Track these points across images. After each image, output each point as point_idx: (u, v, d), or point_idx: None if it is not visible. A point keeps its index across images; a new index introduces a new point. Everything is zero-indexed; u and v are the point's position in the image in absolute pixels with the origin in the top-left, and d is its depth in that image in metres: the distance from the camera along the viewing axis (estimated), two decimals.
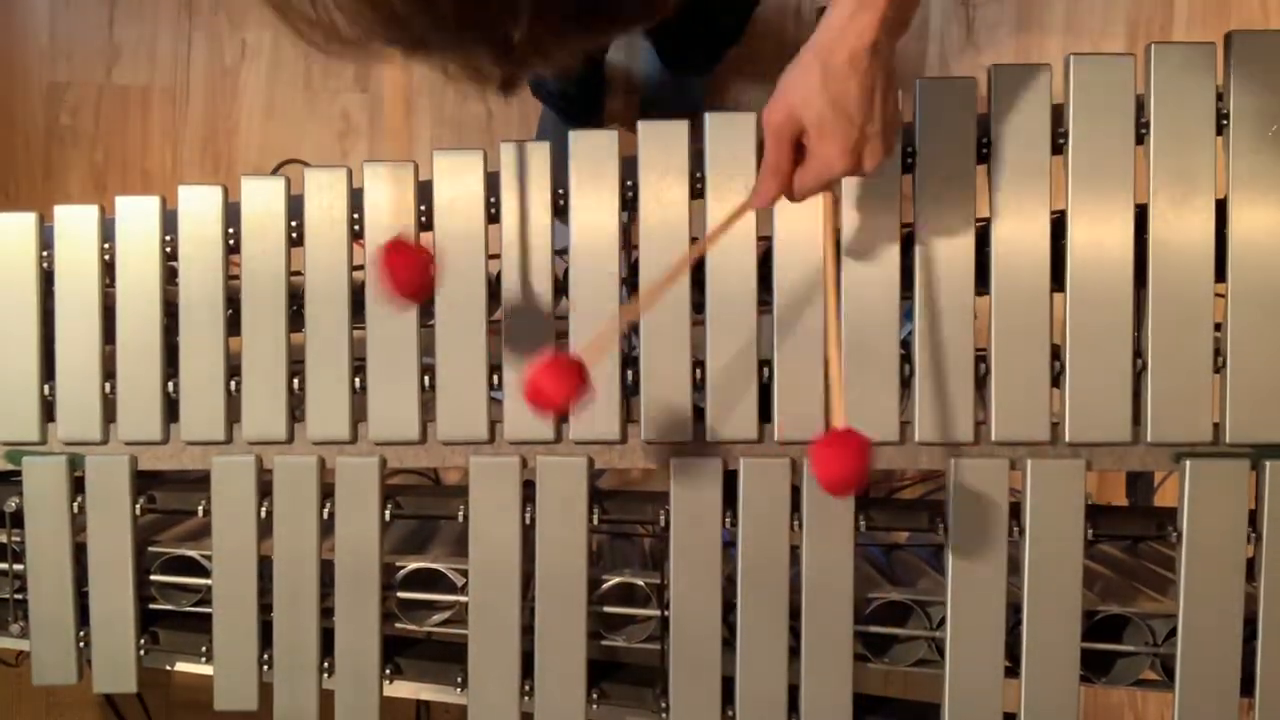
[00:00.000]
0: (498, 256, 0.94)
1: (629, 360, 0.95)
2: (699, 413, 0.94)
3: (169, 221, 0.97)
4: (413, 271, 0.82)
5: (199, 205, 0.97)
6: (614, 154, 0.94)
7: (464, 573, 0.96)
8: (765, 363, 0.93)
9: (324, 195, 0.95)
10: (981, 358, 0.92)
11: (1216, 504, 0.91)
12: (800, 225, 0.92)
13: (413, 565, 0.98)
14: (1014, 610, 0.93)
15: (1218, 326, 0.91)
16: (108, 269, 0.98)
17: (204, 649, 0.99)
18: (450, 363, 0.95)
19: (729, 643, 0.94)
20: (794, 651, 0.94)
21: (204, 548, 0.99)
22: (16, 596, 1.01)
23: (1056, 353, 0.92)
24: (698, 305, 0.94)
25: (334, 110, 1.76)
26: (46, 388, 0.98)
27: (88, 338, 0.97)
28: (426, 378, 0.95)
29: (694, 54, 1.59)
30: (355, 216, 0.95)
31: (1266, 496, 0.91)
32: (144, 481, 0.99)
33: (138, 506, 0.98)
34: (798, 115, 0.74)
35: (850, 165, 0.74)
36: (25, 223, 0.98)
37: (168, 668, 1.03)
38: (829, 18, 0.72)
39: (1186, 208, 0.91)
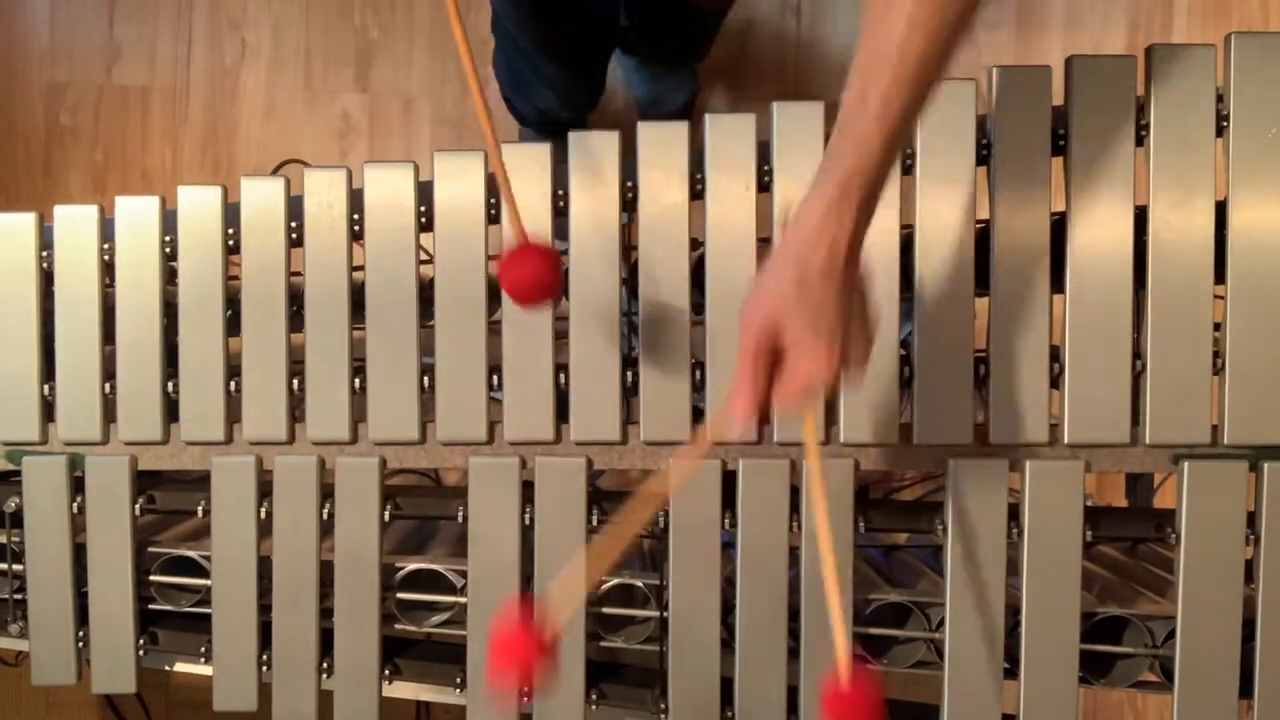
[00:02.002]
0: (497, 257, 0.94)
1: (629, 360, 0.95)
2: (699, 413, 0.94)
3: (169, 221, 0.97)
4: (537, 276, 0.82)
5: (199, 205, 0.97)
6: (614, 154, 0.94)
7: (463, 573, 0.96)
8: None
9: (324, 195, 0.95)
10: (981, 358, 0.92)
11: (1215, 506, 0.91)
12: None
13: (412, 566, 0.98)
14: (1013, 612, 0.93)
15: (1217, 328, 0.92)
16: (108, 269, 0.98)
17: (203, 649, 0.99)
18: (450, 363, 0.95)
19: (728, 643, 0.94)
20: (793, 652, 0.94)
21: (204, 548, 0.99)
22: (16, 596, 1.01)
23: (1056, 354, 0.92)
24: (697, 305, 0.94)
25: (334, 110, 1.76)
26: (46, 388, 0.98)
27: (88, 338, 0.97)
28: (426, 378, 0.95)
29: (671, 42, 1.57)
30: (355, 216, 0.96)
31: (1265, 498, 0.91)
32: (144, 481, 0.99)
33: (138, 506, 0.98)
34: (777, 326, 0.68)
35: (835, 374, 0.68)
36: (25, 223, 0.98)
37: (167, 668, 1.03)
38: (802, 216, 0.67)
39: (1186, 209, 0.91)
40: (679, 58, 1.62)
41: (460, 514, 0.95)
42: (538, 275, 0.82)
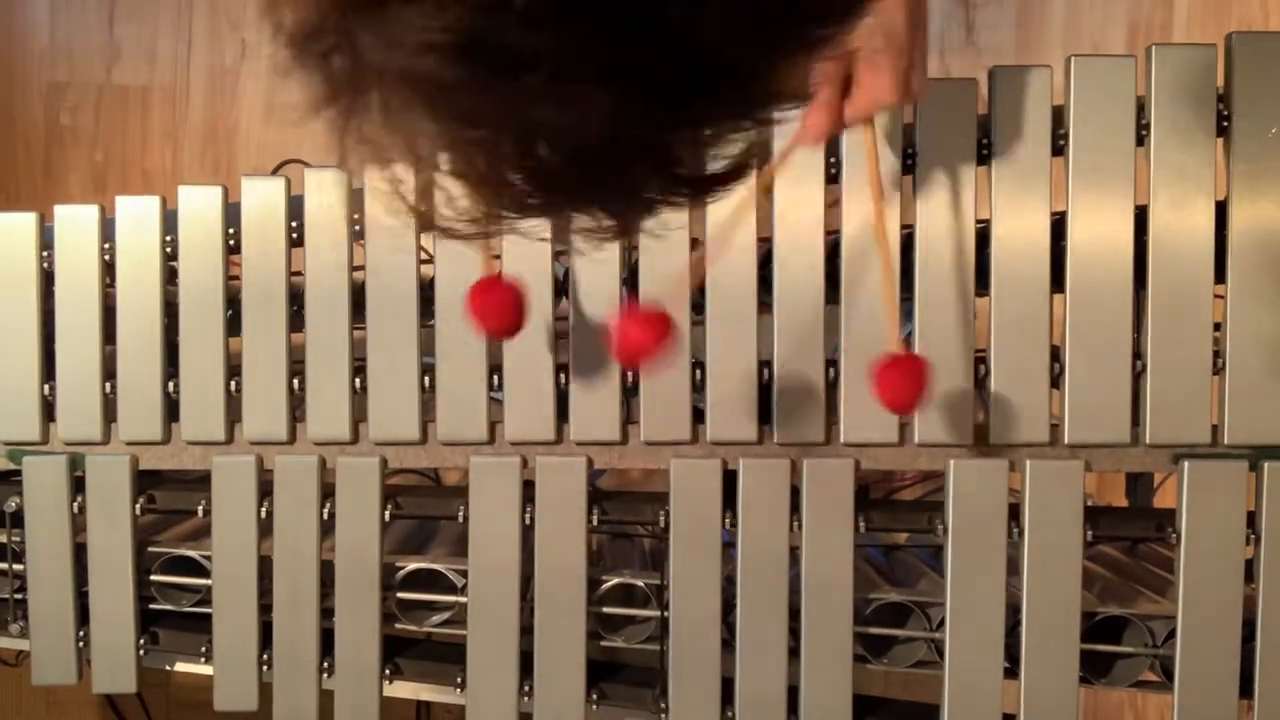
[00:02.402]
0: (499, 257, 0.94)
1: None
2: (699, 413, 0.94)
3: (169, 221, 0.97)
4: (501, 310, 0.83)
5: (199, 205, 0.97)
6: None
7: (464, 573, 0.96)
8: (765, 363, 0.93)
9: (324, 195, 0.95)
10: (981, 358, 0.92)
11: (1215, 505, 0.91)
12: (800, 226, 0.92)
13: (412, 565, 0.98)
14: (1013, 611, 0.93)
15: (1217, 327, 0.92)
16: (108, 269, 0.98)
17: (204, 649, 0.99)
18: (450, 363, 0.95)
19: (728, 643, 0.94)
20: (794, 652, 0.94)
21: (204, 548, 0.99)
22: (16, 596, 1.01)
23: (1056, 354, 0.92)
24: (698, 305, 0.94)
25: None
26: (47, 388, 0.98)
27: (88, 338, 0.97)
28: (426, 378, 0.95)
29: None
30: (355, 216, 0.96)
31: (1265, 498, 0.91)
32: (144, 481, 0.99)
33: (138, 506, 0.98)
34: (849, 50, 0.75)
35: (901, 93, 0.76)
36: (25, 223, 0.98)
37: (167, 668, 1.03)
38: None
39: (1186, 209, 0.91)
40: None
41: (460, 514, 0.95)
42: (500, 308, 0.83)
